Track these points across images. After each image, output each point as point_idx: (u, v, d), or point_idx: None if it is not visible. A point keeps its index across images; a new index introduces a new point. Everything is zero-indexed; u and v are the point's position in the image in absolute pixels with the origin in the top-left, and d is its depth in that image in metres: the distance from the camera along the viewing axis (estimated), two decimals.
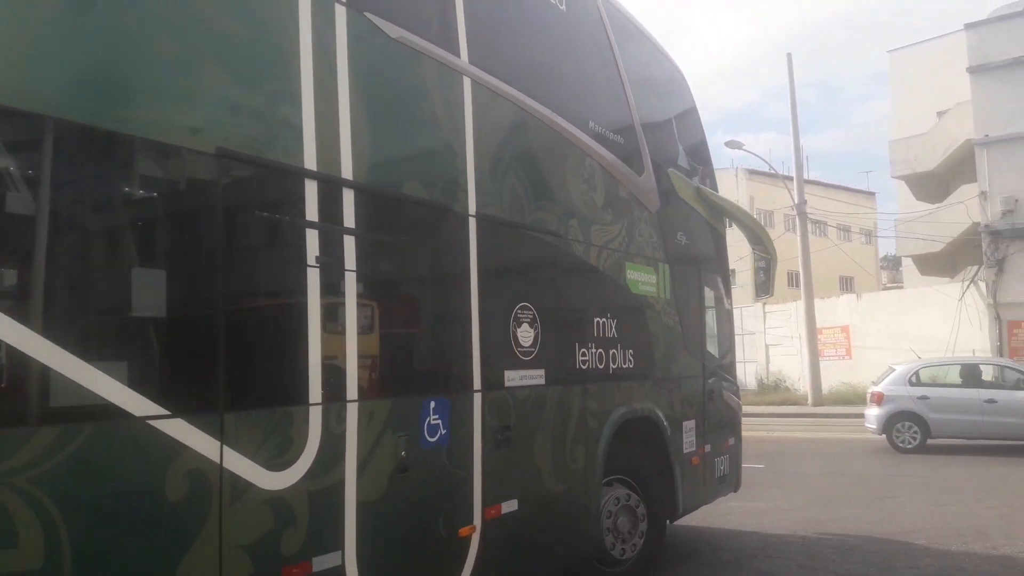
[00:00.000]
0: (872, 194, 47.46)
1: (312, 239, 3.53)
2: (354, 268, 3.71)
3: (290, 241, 3.52)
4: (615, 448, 5.67)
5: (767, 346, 29.85)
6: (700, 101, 8.22)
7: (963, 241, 24.97)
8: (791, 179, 26.43)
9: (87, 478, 2.66)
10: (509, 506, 4.63)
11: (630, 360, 5.98)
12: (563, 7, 5.74)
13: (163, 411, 2.87)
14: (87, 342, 2.77)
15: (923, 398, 14.44)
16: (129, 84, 2.95)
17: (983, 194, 22.68)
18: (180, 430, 2.92)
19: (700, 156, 8.00)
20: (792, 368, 28.00)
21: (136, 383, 2.81)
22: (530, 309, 4.91)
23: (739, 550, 7.38)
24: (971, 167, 23.60)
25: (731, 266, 8.61)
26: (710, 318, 7.55)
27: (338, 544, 3.54)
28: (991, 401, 13.89)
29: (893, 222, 31.33)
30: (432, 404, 4.14)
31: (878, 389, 15.07)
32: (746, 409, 9.51)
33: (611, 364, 5.75)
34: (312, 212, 3.54)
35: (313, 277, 3.51)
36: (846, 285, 40.73)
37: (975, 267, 24.19)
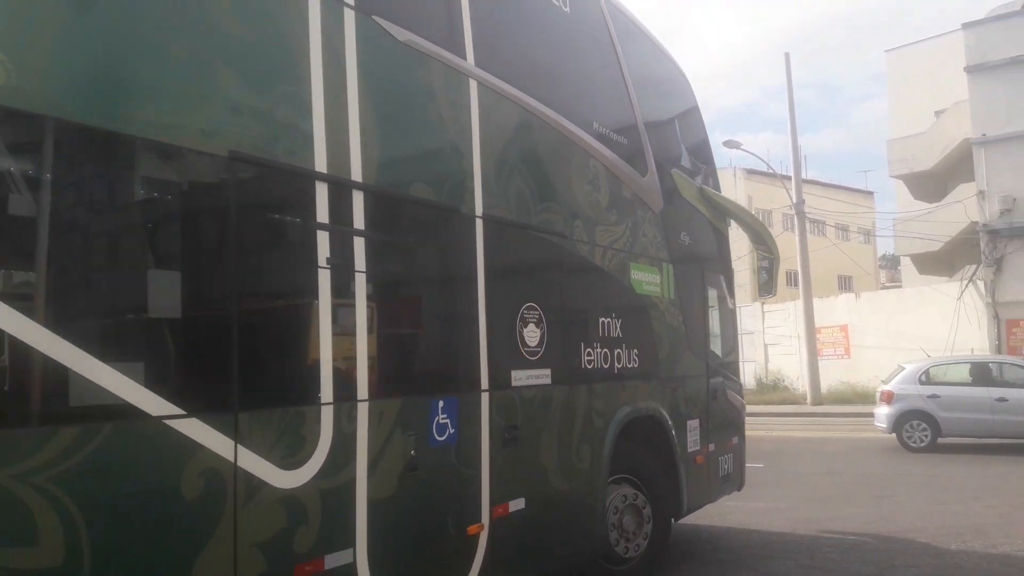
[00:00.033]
0: (870, 193, 47.52)
1: (323, 241, 3.56)
2: (364, 269, 3.75)
3: (301, 243, 3.56)
4: (620, 447, 5.71)
5: (766, 345, 29.88)
6: (699, 101, 8.26)
7: (961, 240, 25.05)
8: (789, 179, 26.45)
9: (106, 477, 2.69)
10: (516, 505, 4.67)
11: (635, 360, 6.03)
12: (567, 9, 5.78)
13: (179, 411, 2.91)
14: (106, 343, 2.81)
15: (933, 397, 14.40)
16: (149, 90, 2.99)
17: (981, 193, 22.75)
18: (195, 429, 2.96)
19: (702, 155, 8.04)
20: (791, 367, 28.05)
21: (153, 383, 2.85)
22: (536, 309, 4.95)
23: (739, 549, 7.41)
24: (969, 166, 23.68)
25: None
26: (713, 318, 7.60)
27: (349, 542, 3.58)
28: (1002, 400, 13.84)
29: (891, 221, 31.38)
30: (441, 404, 4.17)
31: (888, 388, 15.02)
32: (745, 408, 9.54)
33: (616, 364, 5.80)
34: (323, 214, 3.58)
35: (324, 278, 3.55)
36: (844, 284, 40.79)
37: (973, 266, 24.23)
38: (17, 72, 2.57)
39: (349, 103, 3.76)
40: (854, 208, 37.24)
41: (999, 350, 21.54)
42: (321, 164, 3.59)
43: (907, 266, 33.32)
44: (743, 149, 26.58)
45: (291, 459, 3.32)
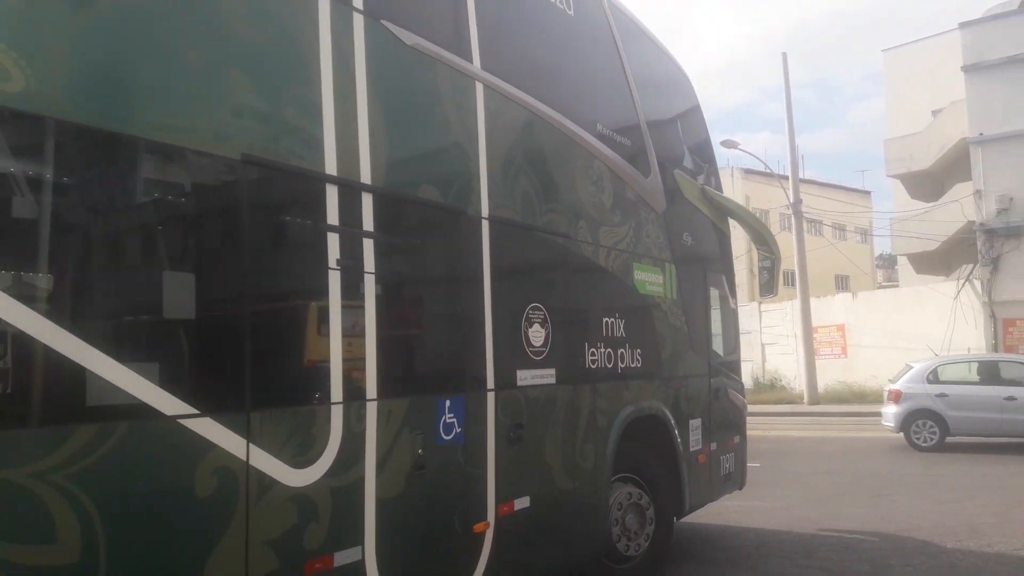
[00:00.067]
0: (868, 193, 47.56)
1: (333, 242, 3.61)
2: (372, 270, 3.79)
3: (312, 244, 3.60)
4: (623, 446, 5.76)
5: (763, 345, 29.88)
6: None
7: (958, 239, 25.12)
8: (787, 178, 26.51)
9: (122, 475, 2.73)
10: (522, 503, 4.71)
11: (638, 359, 6.07)
12: (571, 12, 5.82)
13: (193, 410, 2.95)
14: (122, 344, 2.85)
15: (941, 395, 14.39)
16: (167, 96, 3.03)
17: (978, 192, 22.80)
18: (209, 429, 3.00)
19: (704, 154, 8.09)
20: (788, 367, 28.09)
21: (168, 383, 2.89)
22: (541, 309, 5.00)
23: (736, 548, 7.45)
24: (966, 165, 23.73)
25: None
26: (715, 317, 7.65)
27: (358, 539, 3.62)
28: (1011, 399, 13.83)
29: (888, 221, 31.46)
30: (447, 403, 4.21)
31: (895, 387, 15.00)
32: (747, 408, 9.58)
33: (619, 363, 5.84)
34: (333, 216, 3.62)
35: (334, 279, 3.59)
36: (842, 284, 40.85)
37: (970, 265, 24.29)
38: (37, 78, 2.61)
39: (358, 106, 3.81)
40: (851, 208, 37.36)
41: (995, 349, 21.60)
42: (331, 166, 3.63)
43: (904, 265, 33.42)
44: (741, 149, 26.63)
45: (302, 458, 3.36)
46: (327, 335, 3.55)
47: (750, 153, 63.36)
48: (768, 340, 29.69)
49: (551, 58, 5.61)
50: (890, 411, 14.94)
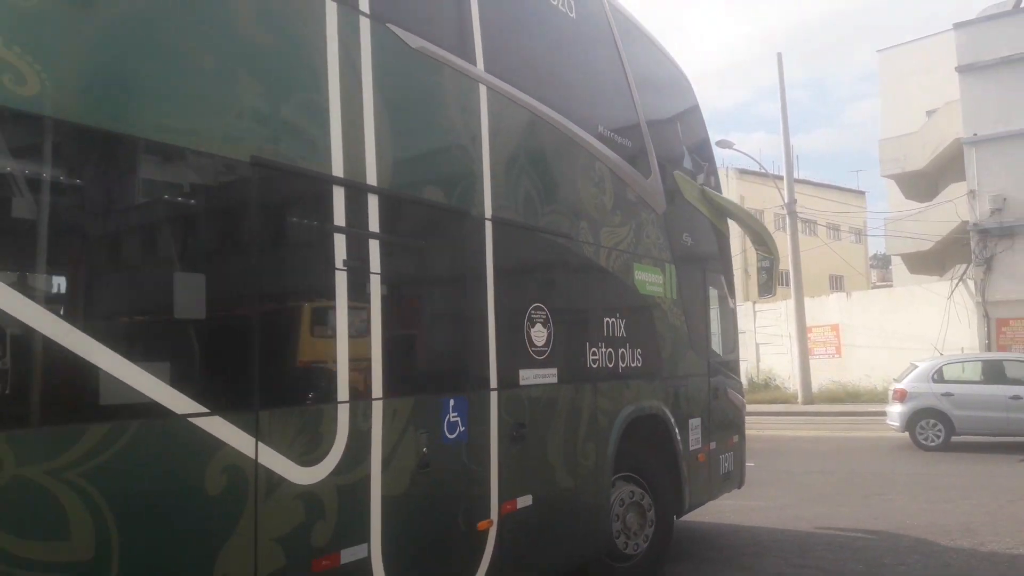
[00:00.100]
0: (862, 193, 47.79)
1: (340, 243, 3.64)
2: (379, 271, 3.83)
3: (319, 245, 3.64)
4: (624, 446, 5.80)
5: (757, 345, 29.94)
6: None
7: (952, 239, 25.21)
8: (781, 178, 26.61)
9: (133, 472, 2.76)
10: (524, 501, 4.76)
11: (638, 359, 6.12)
12: (572, 14, 5.86)
13: (203, 409, 2.98)
14: (134, 344, 2.88)
15: (947, 395, 14.41)
16: (178, 99, 3.06)
17: (972, 192, 22.89)
18: (218, 427, 3.03)
19: (703, 154, 8.14)
20: (782, 367, 28.20)
21: (178, 382, 2.92)
22: (543, 309, 5.04)
23: (732, 548, 7.50)
24: (960, 166, 23.81)
25: None
26: (715, 317, 7.71)
27: (364, 537, 3.66)
28: (1016, 398, 13.87)
29: (883, 221, 31.65)
30: (451, 402, 4.25)
31: (901, 386, 14.98)
32: (745, 407, 9.64)
33: (620, 363, 5.89)
34: (340, 217, 3.66)
35: (341, 280, 3.62)
36: (836, 284, 41.03)
37: (964, 265, 24.39)
38: (52, 83, 2.64)
39: (364, 109, 3.84)
40: (846, 208, 37.49)
41: (989, 349, 21.70)
42: (338, 168, 3.66)
43: (898, 265, 33.52)
44: (735, 149, 26.77)
45: (309, 456, 3.40)
46: (334, 335, 3.59)
47: (745, 153, 63.77)
48: (762, 340, 29.76)
49: (553, 60, 5.66)
50: (895, 410, 14.92)
